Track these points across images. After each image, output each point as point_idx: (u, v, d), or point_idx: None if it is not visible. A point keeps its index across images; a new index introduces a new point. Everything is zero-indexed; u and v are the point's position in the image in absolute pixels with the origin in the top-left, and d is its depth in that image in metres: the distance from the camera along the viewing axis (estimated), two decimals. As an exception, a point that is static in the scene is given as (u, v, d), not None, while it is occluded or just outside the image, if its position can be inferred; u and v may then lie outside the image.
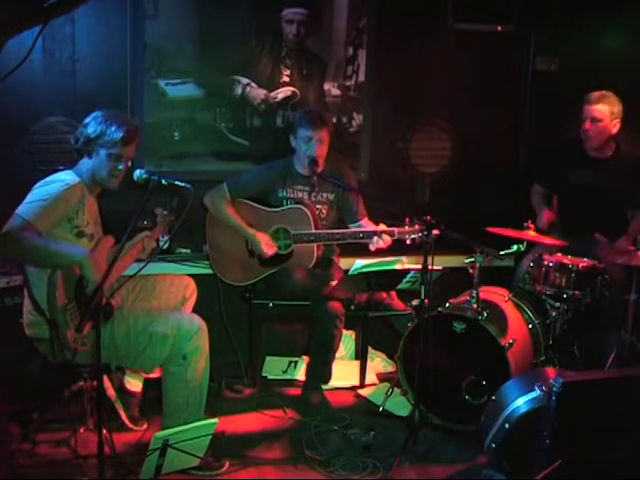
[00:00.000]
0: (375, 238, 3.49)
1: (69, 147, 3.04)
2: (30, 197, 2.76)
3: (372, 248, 3.53)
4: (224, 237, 3.76)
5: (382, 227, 3.53)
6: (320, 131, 3.57)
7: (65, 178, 2.87)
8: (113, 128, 2.88)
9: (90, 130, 2.89)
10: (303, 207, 3.66)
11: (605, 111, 3.65)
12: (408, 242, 3.39)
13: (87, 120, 2.92)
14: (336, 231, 3.63)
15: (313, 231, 3.61)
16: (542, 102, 4.52)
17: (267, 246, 3.65)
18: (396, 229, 3.45)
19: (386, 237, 3.49)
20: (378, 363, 4.11)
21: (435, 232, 3.12)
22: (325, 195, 3.77)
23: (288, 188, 3.74)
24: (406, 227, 3.40)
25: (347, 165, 3.93)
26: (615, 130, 3.70)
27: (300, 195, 3.74)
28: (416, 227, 3.34)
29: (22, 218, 2.67)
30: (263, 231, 3.69)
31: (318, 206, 3.74)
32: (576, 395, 2.50)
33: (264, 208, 3.74)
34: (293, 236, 3.65)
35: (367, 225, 3.73)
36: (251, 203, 3.76)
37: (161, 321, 2.96)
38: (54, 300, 2.68)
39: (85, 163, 2.94)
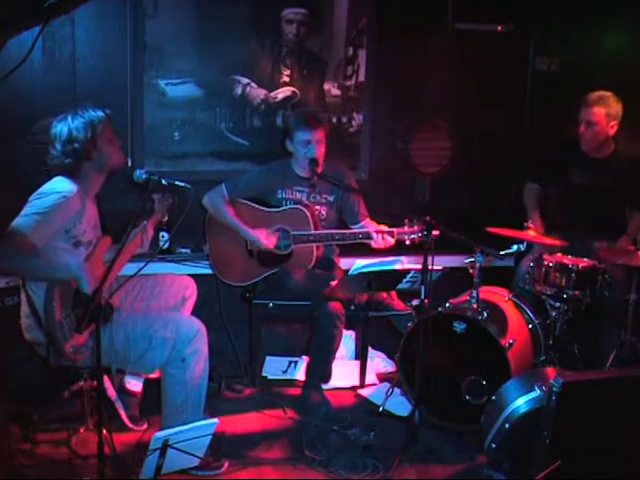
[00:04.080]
0: (376, 235, 3.49)
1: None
2: (26, 209, 2.69)
3: (374, 245, 3.53)
4: (224, 238, 3.76)
5: (383, 227, 3.53)
6: (317, 132, 3.59)
7: (62, 189, 2.77)
8: (88, 120, 2.83)
9: (77, 134, 2.81)
10: (302, 207, 3.66)
11: (601, 114, 3.65)
12: (408, 242, 3.39)
13: (62, 135, 2.82)
14: (335, 231, 3.63)
15: (312, 232, 3.62)
16: (542, 102, 4.52)
17: (266, 239, 3.65)
18: (395, 230, 3.46)
19: (388, 238, 3.49)
20: (378, 363, 4.11)
21: (435, 232, 3.12)
22: (324, 196, 3.77)
23: (287, 189, 3.75)
24: (405, 228, 3.40)
25: (346, 166, 3.93)
26: (613, 131, 3.70)
27: (299, 196, 3.74)
28: (415, 227, 3.34)
29: (18, 231, 2.61)
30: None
31: (317, 207, 3.74)
32: (576, 395, 2.50)
33: (263, 209, 3.74)
34: (293, 237, 3.65)
35: (369, 226, 3.73)
36: (250, 204, 3.76)
37: (160, 324, 2.94)
38: (52, 316, 2.67)
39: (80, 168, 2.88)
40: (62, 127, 2.83)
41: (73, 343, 2.70)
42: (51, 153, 2.86)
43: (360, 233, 3.59)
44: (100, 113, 2.88)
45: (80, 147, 2.82)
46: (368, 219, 3.78)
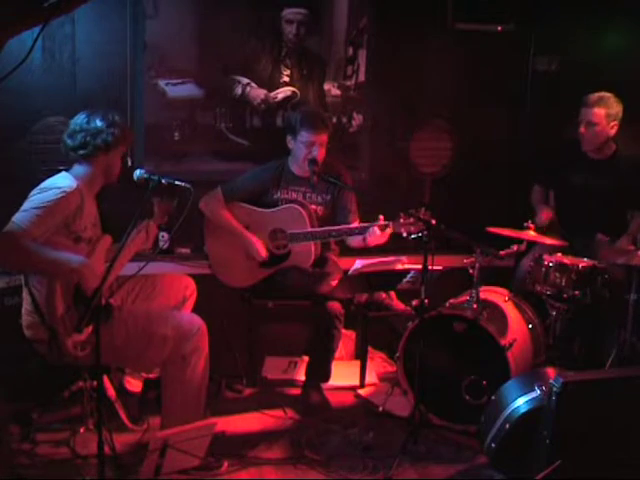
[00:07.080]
0: (372, 229, 3.43)
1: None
2: (26, 205, 2.72)
3: (369, 238, 3.45)
4: (222, 240, 3.75)
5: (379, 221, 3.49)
6: (323, 135, 3.59)
7: (62, 185, 2.79)
8: (116, 129, 2.88)
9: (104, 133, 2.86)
10: (297, 206, 3.65)
11: (601, 114, 3.65)
12: (404, 234, 3.34)
13: (82, 125, 2.87)
14: (332, 228, 3.62)
15: (309, 230, 3.61)
16: (542, 102, 4.52)
17: (261, 250, 3.65)
18: (391, 222, 3.43)
19: (383, 232, 3.45)
20: (378, 363, 4.11)
21: (432, 222, 3.09)
22: (321, 196, 3.76)
23: (282, 189, 3.74)
24: (400, 220, 3.37)
25: (343, 164, 3.92)
26: (613, 132, 3.69)
27: (295, 196, 3.73)
28: (411, 219, 3.30)
29: (18, 226, 2.63)
30: (260, 232, 3.69)
31: (313, 206, 3.73)
32: (576, 395, 2.50)
33: (259, 209, 3.74)
34: (289, 236, 3.65)
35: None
36: (246, 205, 3.75)
37: (161, 322, 2.95)
38: (53, 309, 2.68)
39: (84, 167, 2.90)
40: (85, 119, 2.87)
41: (75, 339, 2.70)
42: (67, 142, 2.88)
43: (356, 227, 3.57)
44: (127, 127, 2.98)
45: (95, 142, 2.85)
46: (358, 221, 3.73)
